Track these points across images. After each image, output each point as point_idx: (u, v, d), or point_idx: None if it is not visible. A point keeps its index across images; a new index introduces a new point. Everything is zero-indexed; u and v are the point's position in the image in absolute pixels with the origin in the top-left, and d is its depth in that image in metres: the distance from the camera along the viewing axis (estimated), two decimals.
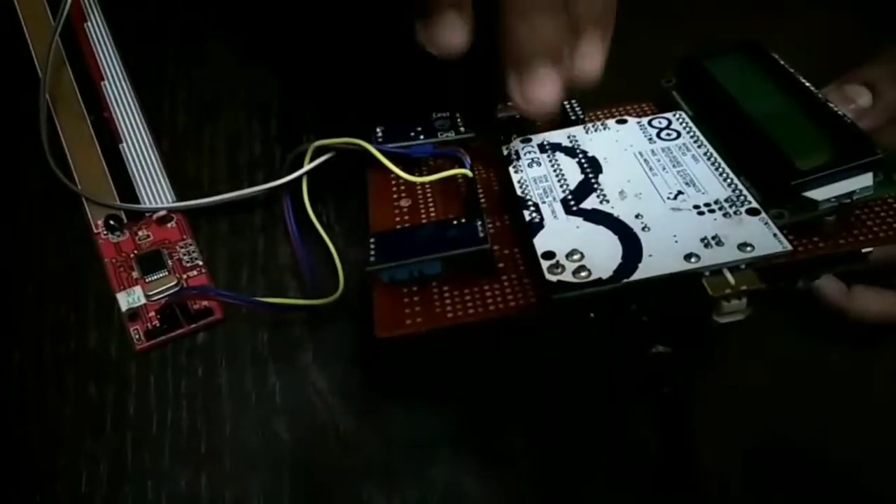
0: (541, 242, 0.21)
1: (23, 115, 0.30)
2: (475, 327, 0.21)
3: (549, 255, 0.20)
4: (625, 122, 0.25)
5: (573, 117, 0.27)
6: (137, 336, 0.25)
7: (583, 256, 0.20)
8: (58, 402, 0.25)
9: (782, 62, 0.26)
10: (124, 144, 0.29)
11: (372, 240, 0.22)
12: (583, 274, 0.19)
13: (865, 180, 0.21)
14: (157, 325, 0.25)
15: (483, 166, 0.27)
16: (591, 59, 0.23)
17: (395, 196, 0.25)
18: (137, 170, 0.29)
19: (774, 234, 0.20)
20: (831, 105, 0.24)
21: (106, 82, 0.32)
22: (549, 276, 0.20)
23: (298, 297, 0.26)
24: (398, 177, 0.24)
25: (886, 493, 0.23)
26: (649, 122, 0.25)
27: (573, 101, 0.28)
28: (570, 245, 0.20)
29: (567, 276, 0.20)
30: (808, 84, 0.25)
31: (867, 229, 0.21)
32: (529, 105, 0.22)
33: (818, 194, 0.21)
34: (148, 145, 0.30)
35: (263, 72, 0.33)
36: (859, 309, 0.27)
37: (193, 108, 0.32)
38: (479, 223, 0.22)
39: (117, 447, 0.24)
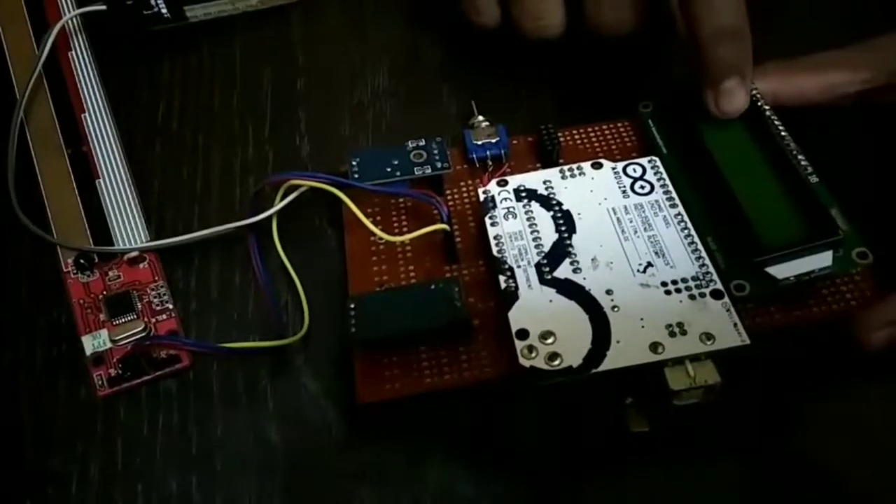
0: (515, 317, 0.22)
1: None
2: (452, 392, 0.23)
3: (523, 333, 0.21)
4: (600, 166, 0.26)
5: (548, 144, 0.27)
6: (100, 382, 0.25)
7: (556, 339, 0.21)
8: (49, 405, 0.25)
9: (759, 100, 0.26)
10: (101, 180, 0.29)
11: (352, 305, 0.23)
12: (555, 362, 0.21)
13: (825, 259, 0.22)
14: (121, 373, 0.25)
15: (459, 198, 0.27)
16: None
17: (372, 250, 0.26)
18: (113, 207, 0.28)
19: (735, 325, 0.21)
20: (801, 164, 0.24)
21: (87, 115, 0.30)
22: (523, 361, 0.21)
23: (265, 336, 0.26)
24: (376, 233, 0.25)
25: None
26: (624, 170, 0.25)
27: (549, 125, 0.28)
28: (544, 324, 0.21)
29: (540, 363, 0.21)
30: (782, 131, 0.25)
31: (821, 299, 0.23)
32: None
33: (779, 271, 0.22)
34: (126, 182, 0.29)
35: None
36: None
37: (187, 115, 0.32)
38: (457, 289, 0.23)
39: (108, 450, 0.24)
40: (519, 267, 0.23)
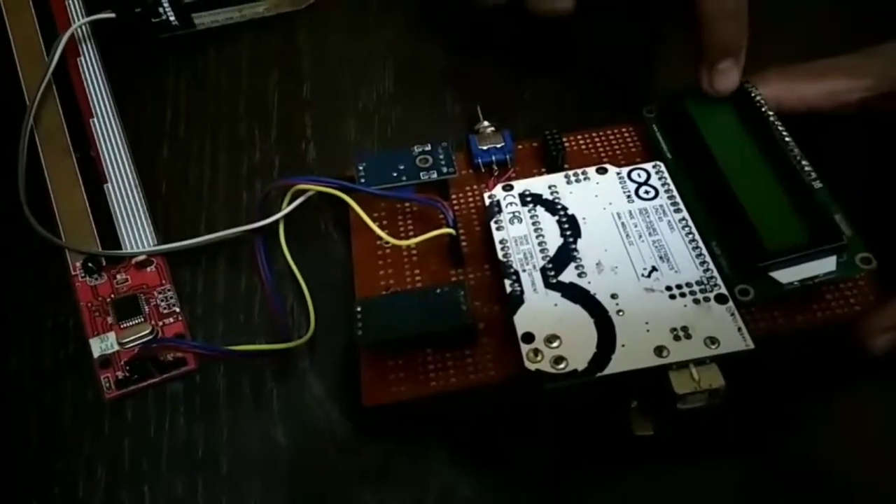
0: (521, 321, 0.22)
1: (7, 150, 0.30)
2: (458, 395, 0.23)
3: (528, 337, 0.22)
4: (605, 171, 0.26)
5: (553, 149, 0.27)
6: (108, 384, 0.25)
7: (561, 343, 0.21)
8: (56, 407, 0.25)
9: (763, 106, 0.26)
10: (109, 184, 0.29)
11: (358, 309, 0.23)
12: (561, 366, 0.21)
13: (829, 264, 0.22)
14: (128, 375, 0.25)
15: (465, 203, 0.27)
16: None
17: (378, 254, 0.26)
18: (121, 210, 0.29)
19: (739, 329, 0.21)
20: (805, 169, 0.24)
21: (95, 119, 0.31)
22: (528, 365, 0.21)
23: (271, 339, 0.26)
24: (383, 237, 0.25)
25: None
26: (629, 175, 0.26)
27: (554, 130, 0.28)
28: (549, 328, 0.22)
29: (545, 366, 0.21)
30: (786, 136, 0.26)
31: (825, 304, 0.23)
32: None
33: (783, 276, 0.22)
34: (133, 186, 0.29)
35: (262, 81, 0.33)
36: None
37: (194, 120, 0.32)
38: (462, 293, 0.23)
39: (115, 452, 0.24)
40: (524, 271, 0.23)
